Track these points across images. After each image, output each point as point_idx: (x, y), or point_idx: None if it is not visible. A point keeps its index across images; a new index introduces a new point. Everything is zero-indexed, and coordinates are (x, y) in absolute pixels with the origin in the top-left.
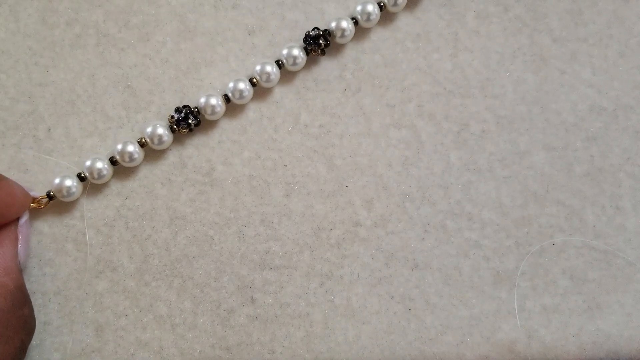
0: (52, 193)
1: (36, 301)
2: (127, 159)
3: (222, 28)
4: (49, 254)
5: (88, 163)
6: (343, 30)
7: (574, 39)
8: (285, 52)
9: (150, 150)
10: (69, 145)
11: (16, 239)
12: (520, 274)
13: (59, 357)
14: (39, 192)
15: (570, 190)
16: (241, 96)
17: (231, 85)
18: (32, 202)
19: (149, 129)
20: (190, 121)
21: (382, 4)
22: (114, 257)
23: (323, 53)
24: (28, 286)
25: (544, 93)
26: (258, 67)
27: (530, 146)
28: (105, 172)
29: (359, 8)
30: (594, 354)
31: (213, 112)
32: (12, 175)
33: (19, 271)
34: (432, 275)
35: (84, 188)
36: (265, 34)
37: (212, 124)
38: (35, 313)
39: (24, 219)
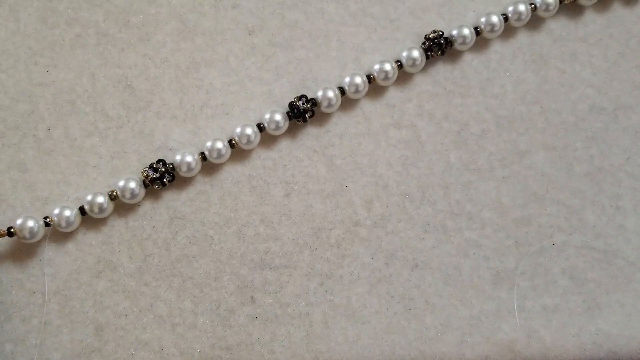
0: (13, 230)
1: (36, 301)
2: (96, 210)
3: (222, 28)
4: (49, 254)
5: (56, 211)
6: (329, 99)
7: (574, 39)
8: (267, 116)
9: (121, 203)
10: (69, 145)
11: None
12: (520, 273)
13: (59, 357)
14: (38, 194)
15: (570, 190)
16: (219, 155)
17: (209, 144)
18: None
19: (121, 183)
20: (164, 180)
21: (371, 76)
22: (114, 257)
23: (305, 121)
24: (28, 286)
25: (544, 93)
26: (238, 130)
27: (530, 146)
28: (73, 219)
29: (347, 80)
30: (594, 354)
31: (189, 169)
32: (12, 175)
33: None
34: (432, 275)
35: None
36: (265, 34)
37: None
38: (35, 313)
39: None
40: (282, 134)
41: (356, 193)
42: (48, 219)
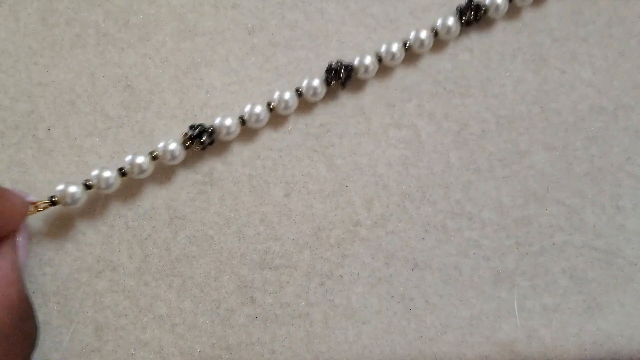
0: (55, 199)
1: (36, 301)
2: (136, 171)
3: (222, 28)
4: (49, 254)
5: (95, 172)
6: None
7: (574, 39)
8: (305, 82)
9: (161, 164)
10: (68, 145)
11: (16, 248)
12: (520, 273)
13: (59, 357)
14: (38, 194)
15: (570, 190)
16: (257, 120)
17: (248, 108)
18: (31, 207)
19: (161, 144)
20: (203, 139)
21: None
22: (113, 257)
23: (344, 86)
24: (28, 286)
25: (544, 93)
26: (276, 95)
27: (530, 146)
28: (112, 181)
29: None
30: (594, 354)
31: (228, 133)
32: (13, 174)
33: (22, 281)
34: (432, 275)
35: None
36: (265, 34)
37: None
38: (35, 313)
39: (22, 226)
40: (282, 133)
41: (356, 193)
42: (88, 182)
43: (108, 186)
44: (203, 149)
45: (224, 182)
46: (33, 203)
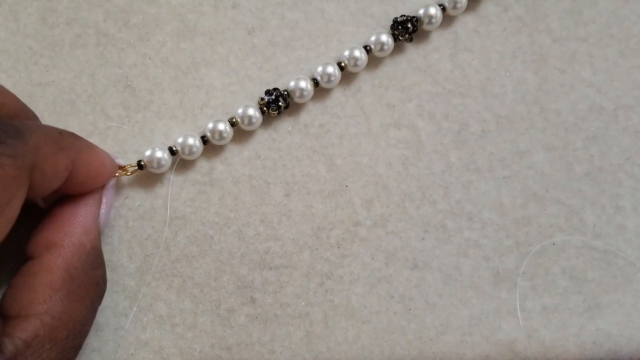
0: (143, 163)
1: None
2: (217, 137)
3: (222, 28)
4: None
5: (180, 140)
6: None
7: (574, 39)
8: (373, 38)
9: (240, 130)
10: None
11: (100, 202)
12: (520, 273)
13: None
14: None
15: (570, 190)
16: (329, 80)
17: (320, 69)
18: (119, 170)
19: (240, 110)
20: (280, 103)
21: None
22: (114, 257)
23: (411, 40)
24: None
25: (543, 93)
26: (320, 69)
27: (530, 146)
28: (195, 149)
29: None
30: (594, 354)
31: (301, 95)
32: None
33: (98, 233)
34: (432, 275)
35: (174, 162)
36: (265, 34)
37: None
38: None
39: (110, 184)
40: (282, 133)
41: (356, 193)
42: (174, 148)
43: (191, 153)
44: (279, 113)
45: (224, 182)
46: (122, 167)
